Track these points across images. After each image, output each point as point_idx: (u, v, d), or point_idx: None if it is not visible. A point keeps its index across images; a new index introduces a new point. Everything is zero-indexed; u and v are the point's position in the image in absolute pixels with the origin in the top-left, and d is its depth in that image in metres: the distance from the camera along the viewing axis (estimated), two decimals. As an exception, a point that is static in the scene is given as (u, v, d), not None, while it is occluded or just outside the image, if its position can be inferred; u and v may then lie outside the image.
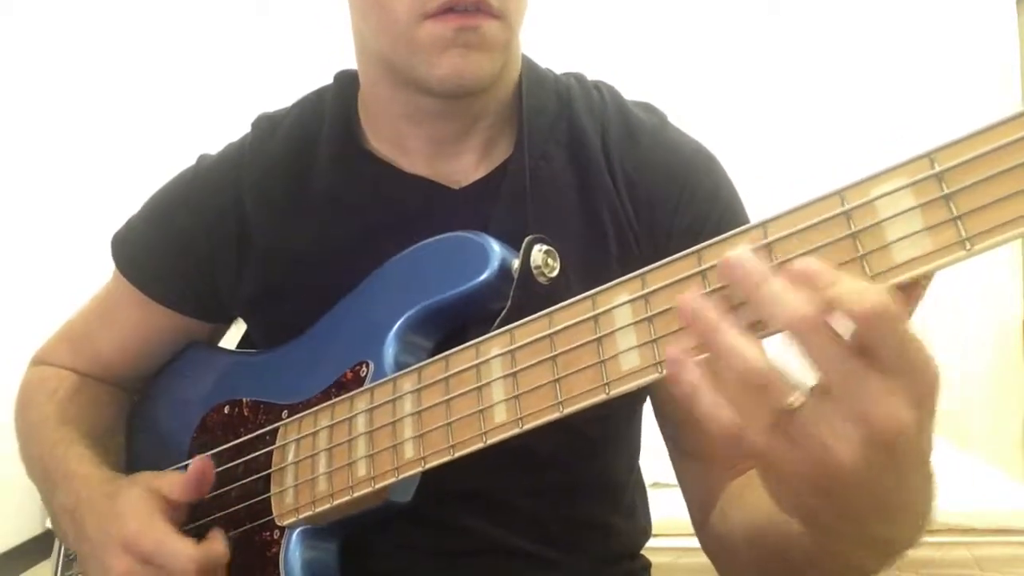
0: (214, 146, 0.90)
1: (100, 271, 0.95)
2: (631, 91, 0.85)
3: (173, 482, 0.75)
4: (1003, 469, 2.22)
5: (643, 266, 0.74)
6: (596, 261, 0.76)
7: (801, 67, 2.69)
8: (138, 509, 0.72)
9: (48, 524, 1.59)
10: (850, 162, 2.50)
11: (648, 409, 0.84)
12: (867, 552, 0.52)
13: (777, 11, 2.73)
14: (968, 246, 0.40)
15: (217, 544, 0.72)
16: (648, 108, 0.84)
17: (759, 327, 0.43)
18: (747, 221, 0.80)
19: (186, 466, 0.83)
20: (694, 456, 0.79)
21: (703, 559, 0.80)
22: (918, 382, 0.41)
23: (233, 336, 0.94)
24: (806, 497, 0.46)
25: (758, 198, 0.84)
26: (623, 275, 0.74)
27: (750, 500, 0.69)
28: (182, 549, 0.69)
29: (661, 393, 0.79)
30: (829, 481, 0.43)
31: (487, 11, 0.68)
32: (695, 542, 0.81)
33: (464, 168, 0.80)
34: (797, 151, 2.66)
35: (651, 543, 0.90)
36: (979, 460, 2.24)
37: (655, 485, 0.91)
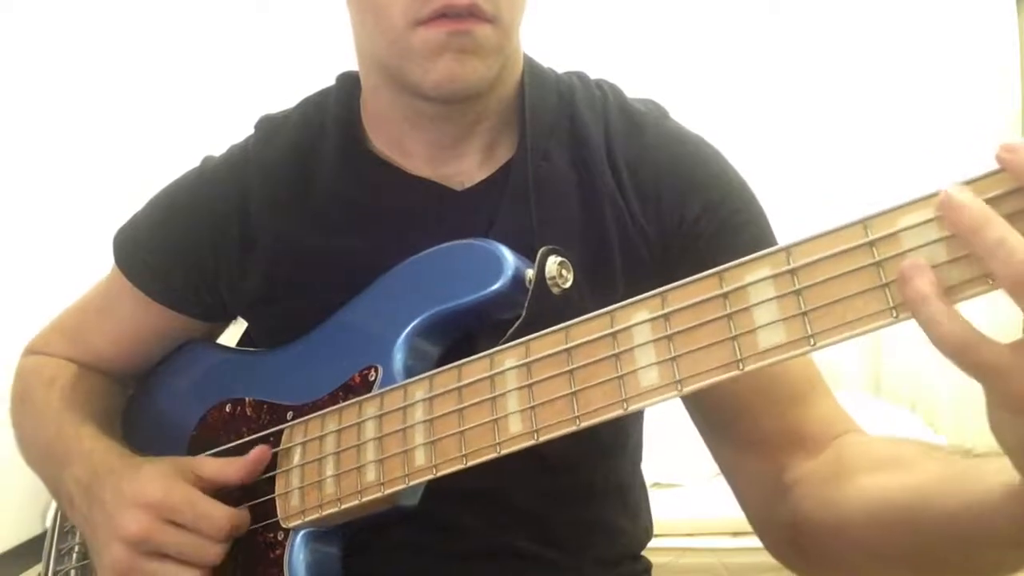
0: (217, 145, 0.90)
1: (99, 270, 0.94)
2: (632, 90, 0.86)
3: (221, 463, 0.75)
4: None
5: (647, 265, 0.76)
6: (599, 260, 0.76)
7: (800, 67, 2.69)
8: (164, 474, 0.73)
9: (48, 524, 1.57)
10: (849, 163, 2.53)
11: (650, 410, 0.84)
12: None
13: (777, 11, 2.74)
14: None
15: (245, 512, 0.73)
16: (650, 103, 0.85)
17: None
18: (759, 206, 0.80)
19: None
20: (755, 444, 0.74)
21: (703, 559, 0.80)
22: None
23: (233, 335, 0.94)
24: None
25: (757, 196, 0.85)
26: (626, 275, 0.75)
27: (879, 481, 0.62)
28: (218, 506, 0.71)
29: (711, 390, 0.77)
30: None
31: (480, 15, 0.68)
32: (695, 542, 0.81)
33: (467, 169, 0.80)
34: (796, 151, 2.66)
35: (651, 543, 0.91)
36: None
37: (655, 485, 0.92)
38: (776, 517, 0.71)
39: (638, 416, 0.85)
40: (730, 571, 1.23)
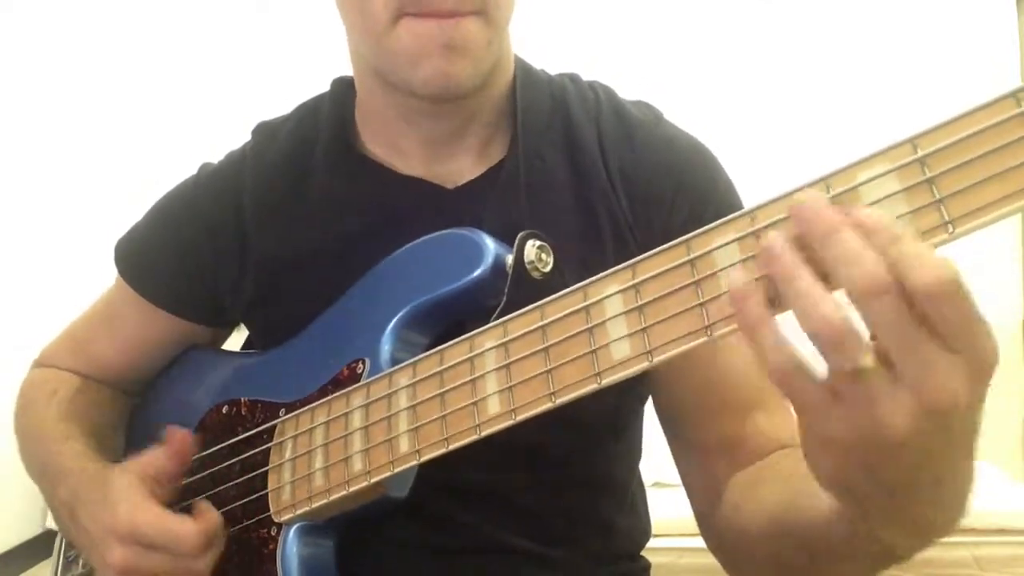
0: (216, 145, 0.91)
1: (102, 277, 0.96)
2: (624, 86, 0.85)
3: (156, 454, 0.75)
4: (1003, 469, 2.22)
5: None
6: (592, 260, 0.76)
7: (795, 64, 2.69)
8: (129, 496, 0.72)
9: (48, 524, 1.58)
10: (844, 160, 2.51)
11: (650, 409, 0.83)
12: (901, 532, 0.49)
13: (770, 3, 2.73)
14: (951, 229, 0.41)
15: (211, 514, 0.71)
16: (644, 106, 0.85)
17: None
18: None
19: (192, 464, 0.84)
20: (697, 449, 0.78)
21: (703, 559, 0.79)
22: (977, 359, 0.40)
23: (236, 341, 0.95)
24: (846, 462, 0.44)
25: (753, 193, 0.84)
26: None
27: (766, 492, 0.67)
28: (185, 527, 0.69)
29: (664, 388, 0.79)
30: (875, 448, 0.42)
31: (464, 10, 0.68)
32: (695, 542, 0.80)
33: (460, 168, 0.80)
34: (790, 147, 2.65)
35: (651, 543, 0.90)
36: (979, 460, 2.23)
37: (655, 485, 0.91)
38: (711, 521, 0.75)
39: (635, 410, 0.84)
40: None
